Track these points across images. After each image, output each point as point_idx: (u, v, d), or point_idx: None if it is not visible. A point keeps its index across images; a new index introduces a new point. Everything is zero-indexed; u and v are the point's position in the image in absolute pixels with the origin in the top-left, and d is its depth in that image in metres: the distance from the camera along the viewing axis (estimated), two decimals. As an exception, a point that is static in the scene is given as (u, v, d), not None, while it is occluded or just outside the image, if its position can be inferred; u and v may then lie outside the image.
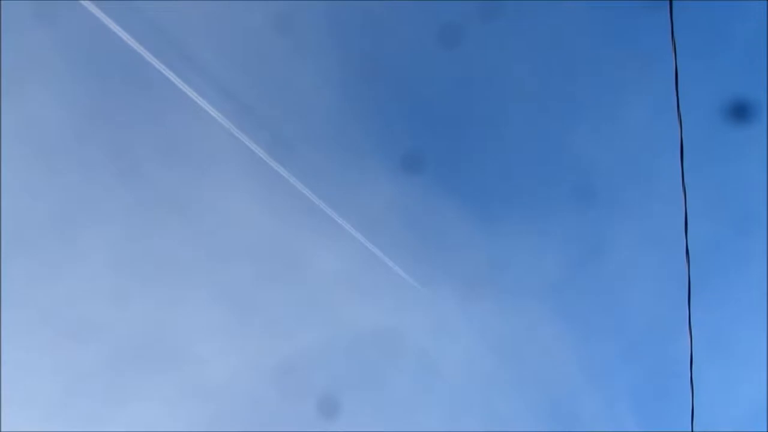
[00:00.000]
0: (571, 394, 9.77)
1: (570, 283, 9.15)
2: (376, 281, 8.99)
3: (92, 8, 6.75)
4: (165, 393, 9.06)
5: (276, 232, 8.62)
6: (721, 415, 8.98)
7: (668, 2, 4.57)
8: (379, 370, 9.62)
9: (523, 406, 9.74)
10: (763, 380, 8.61)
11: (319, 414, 9.27)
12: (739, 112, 7.27)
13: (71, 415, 8.91)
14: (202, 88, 7.32)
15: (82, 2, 6.73)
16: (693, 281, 5.56)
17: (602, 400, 9.66)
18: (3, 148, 7.27)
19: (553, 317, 9.32)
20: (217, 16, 7.22)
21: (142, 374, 9.04)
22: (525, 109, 8.21)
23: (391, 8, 7.52)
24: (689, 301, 5.61)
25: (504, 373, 9.69)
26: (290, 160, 7.96)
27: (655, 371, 9.37)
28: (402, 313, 9.31)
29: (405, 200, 8.62)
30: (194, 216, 8.41)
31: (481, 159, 8.50)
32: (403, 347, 9.41)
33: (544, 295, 9.19)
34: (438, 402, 9.87)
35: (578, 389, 9.70)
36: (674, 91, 4.75)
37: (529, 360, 9.65)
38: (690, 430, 6.05)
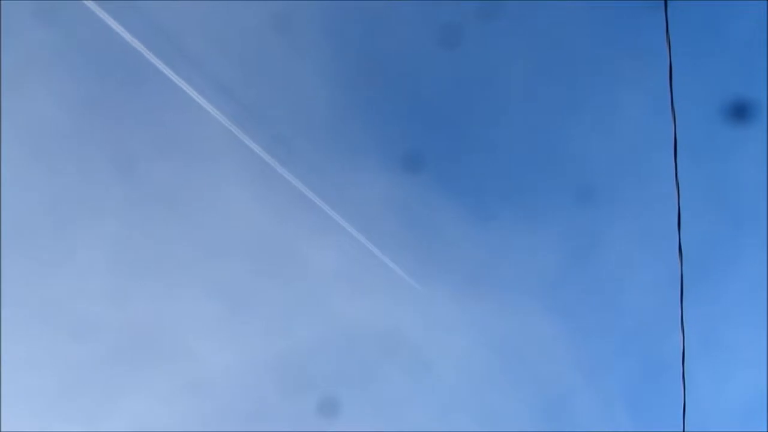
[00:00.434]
0: (564, 391, 9.83)
1: (564, 281, 9.22)
2: (372, 278, 9.03)
3: (93, 7, 6.78)
4: (162, 389, 9.08)
5: (273, 229, 8.66)
6: (714, 411, 9.06)
7: (663, 2, 4.65)
8: (375, 367, 9.65)
9: (516, 403, 9.79)
10: (756, 377, 8.69)
11: (315, 411, 9.29)
12: (734, 110, 7.34)
13: (68, 410, 8.91)
14: (201, 86, 7.36)
15: (83, 2, 6.76)
16: (685, 279, 5.61)
17: (595, 396, 9.72)
18: (3, 147, 7.29)
19: (547, 314, 9.38)
20: (216, 16, 7.26)
21: (139, 370, 9.06)
22: (521, 108, 8.28)
23: (390, 8, 7.58)
24: (681, 298, 5.66)
25: (498, 369, 9.74)
26: (288, 158, 8.01)
27: (648, 368, 9.44)
28: (398, 311, 9.35)
29: (402, 198, 8.67)
30: (192, 213, 8.44)
31: (476, 157, 8.55)
32: (400, 344, 9.44)
33: (538, 293, 9.25)
34: (432, 399, 9.90)
35: (571, 385, 9.76)
36: (669, 89, 4.81)
37: (522, 357, 9.70)
38: (682, 426, 6.10)
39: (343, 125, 8.25)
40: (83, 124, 7.74)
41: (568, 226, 8.84)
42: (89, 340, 8.70)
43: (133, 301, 8.74)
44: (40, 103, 7.40)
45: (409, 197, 8.65)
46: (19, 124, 7.33)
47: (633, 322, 9.36)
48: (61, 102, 7.49)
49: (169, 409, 9.09)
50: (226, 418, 9.41)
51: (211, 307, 8.97)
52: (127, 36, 6.90)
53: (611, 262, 9.02)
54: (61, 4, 6.94)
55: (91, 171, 7.97)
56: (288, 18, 7.35)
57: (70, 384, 8.88)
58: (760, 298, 8.26)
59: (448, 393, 9.93)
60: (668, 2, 4.66)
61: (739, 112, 7.30)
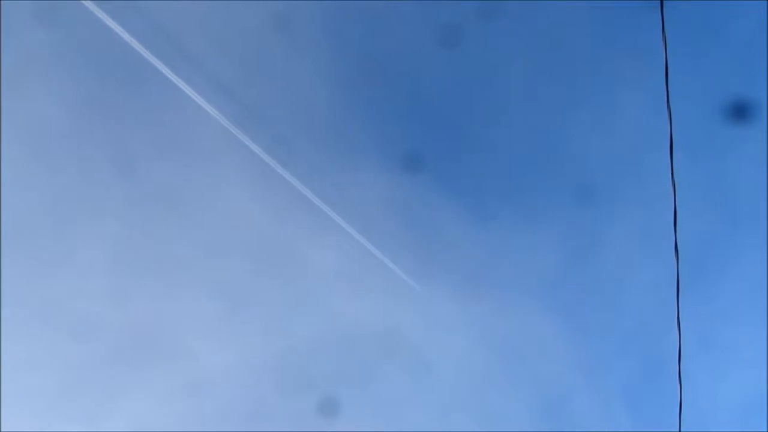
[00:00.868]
0: (562, 390, 9.83)
1: (562, 281, 9.23)
2: (372, 278, 9.04)
3: (92, 7, 6.79)
4: (162, 389, 9.08)
5: (273, 229, 8.67)
6: (711, 411, 9.07)
7: (659, 2, 4.67)
8: (375, 367, 9.66)
9: (515, 402, 9.80)
10: (753, 376, 8.70)
11: (315, 411, 9.29)
12: (730, 109, 7.36)
13: (68, 410, 8.92)
14: (200, 86, 7.37)
15: (83, 2, 6.78)
16: (683, 278, 5.63)
17: (593, 396, 9.73)
18: (3, 147, 7.30)
19: (545, 314, 9.39)
20: (216, 16, 7.27)
21: (139, 370, 9.06)
22: (519, 108, 8.30)
23: (390, 8, 7.60)
24: (678, 297, 5.67)
25: (497, 369, 9.75)
26: (288, 158, 8.02)
27: (646, 367, 9.44)
28: (398, 311, 9.36)
29: (402, 198, 8.68)
30: (192, 213, 8.45)
31: (475, 157, 8.57)
32: (399, 345, 9.45)
33: (536, 292, 9.26)
34: (432, 399, 9.91)
35: (569, 385, 9.77)
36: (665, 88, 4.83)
37: (520, 356, 9.71)
38: (678, 426, 6.11)
39: (343, 125, 8.28)
40: (83, 124, 7.76)
41: (566, 226, 8.86)
42: (89, 339, 8.71)
43: (133, 300, 8.76)
44: (40, 103, 7.41)
45: (408, 197, 8.68)
46: (19, 124, 7.34)
47: (631, 321, 9.37)
48: (60, 102, 7.50)
49: (169, 409, 9.11)
50: (226, 418, 9.43)
51: (211, 307, 8.98)
52: (126, 36, 6.91)
53: (610, 261, 9.04)
54: (61, 4, 6.95)
55: (91, 171, 7.98)
56: (288, 18, 7.36)
57: (70, 384, 8.89)
58: (757, 298, 8.28)
59: (448, 393, 9.94)
60: (664, 2, 4.69)
61: (736, 111, 7.32)
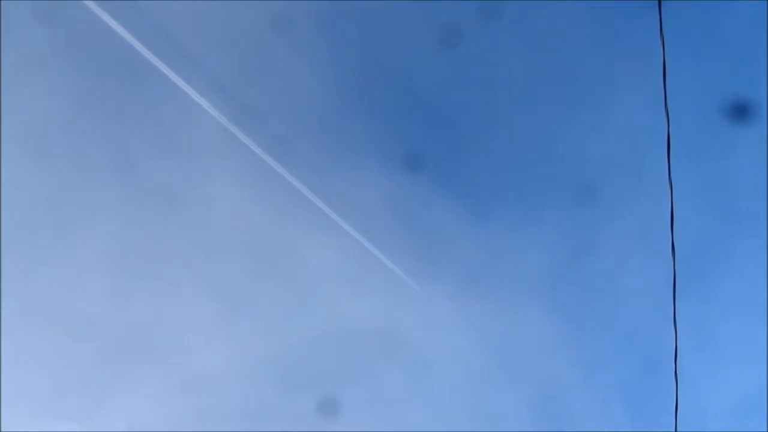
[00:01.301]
0: (560, 389, 9.85)
1: (561, 280, 9.25)
2: (371, 278, 9.06)
3: (92, 7, 6.80)
4: (160, 387, 9.08)
5: (272, 228, 8.68)
6: (708, 410, 9.09)
7: (657, 2, 4.70)
8: (374, 366, 9.67)
9: (514, 401, 9.82)
10: (750, 375, 8.72)
11: (313, 410, 9.30)
12: (728, 109, 7.39)
13: (66, 409, 8.91)
14: (200, 86, 7.38)
15: (83, 1, 6.78)
16: (680, 277, 5.65)
17: (592, 395, 9.75)
18: (3, 147, 7.31)
19: (544, 313, 9.41)
20: (216, 16, 7.29)
21: (137, 369, 9.06)
22: (517, 108, 8.31)
23: (390, 8, 7.62)
24: (674, 296, 5.70)
25: (496, 368, 9.77)
26: (287, 157, 8.04)
27: (644, 366, 9.47)
28: (397, 310, 9.37)
29: (401, 198, 8.69)
30: (192, 212, 8.46)
31: (473, 157, 8.59)
32: (398, 344, 9.47)
33: (534, 292, 9.28)
34: (431, 399, 9.92)
35: (568, 384, 9.79)
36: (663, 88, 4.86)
37: (518, 355, 9.73)
38: (674, 425, 6.13)
39: (342, 125, 8.29)
40: (83, 123, 7.77)
41: (565, 226, 8.88)
42: (87, 338, 8.71)
43: (132, 299, 8.76)
44: (40, 103, 7.41)
45: (408, 197, 8.69)
46: (19, 123, 7.35)
47: (629, 321, 9.40)
48: (60, 101, 7.50)
49: (168, 408, 9.11)
50: (225, 417, 9.43)
51: (210, 306, 8.99)
52: (126, 36, 6.92)
53: (608, 261, 9.06)
54: (61, 4, 6.95)
55: (91, 170, 7.98)
56: (288, 18, 7.37)
57: (68, 383, 8.89)
58: (754, 297, 8.30)
59: (447, 392, 9.96)
60: (662, 2, 4.72)
61: (734, 111, 7.35)
